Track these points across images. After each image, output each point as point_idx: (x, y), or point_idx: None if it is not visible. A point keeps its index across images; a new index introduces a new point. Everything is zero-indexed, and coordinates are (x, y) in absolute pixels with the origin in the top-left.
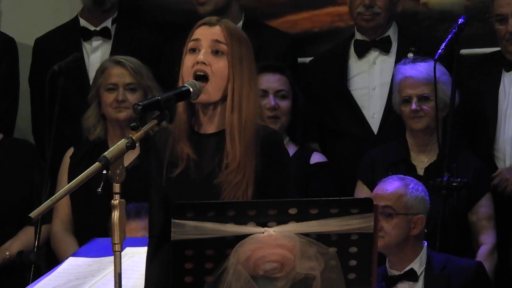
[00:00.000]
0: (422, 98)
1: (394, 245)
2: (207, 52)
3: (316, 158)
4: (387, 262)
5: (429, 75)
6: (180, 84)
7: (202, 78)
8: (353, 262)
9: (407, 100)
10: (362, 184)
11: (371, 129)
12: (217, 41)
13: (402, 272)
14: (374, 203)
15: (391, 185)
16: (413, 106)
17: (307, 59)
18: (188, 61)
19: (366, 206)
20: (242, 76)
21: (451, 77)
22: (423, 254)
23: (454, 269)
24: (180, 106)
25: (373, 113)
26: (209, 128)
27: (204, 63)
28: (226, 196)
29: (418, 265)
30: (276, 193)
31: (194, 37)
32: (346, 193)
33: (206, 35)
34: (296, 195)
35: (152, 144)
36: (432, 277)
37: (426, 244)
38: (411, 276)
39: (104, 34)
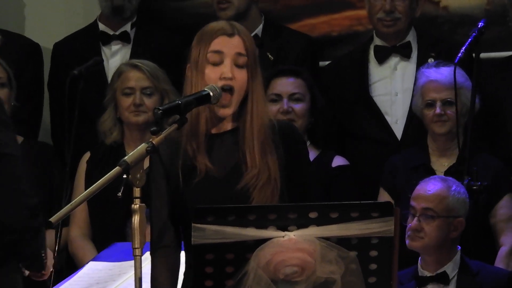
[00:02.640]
0: (446, 103)
1: (432, 246)
2: (231, 65)
3: (338, 161)
4: (419, 262)
5: (453, 79)
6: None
7: (228, 91)
8: (373, 266)
9: (431, 104)
10: (384, 191)
11: (395, 135)
12: (240, 54)
13: (434, 274)
14: (416, 203)
15: (433, 186)
16: (437, 110)
17: (326, 63)
18: (212, 73)
19: (387, 210)
20: (256, 78)
21: (471, 82)
22: (457, 258)
23: (487, 277)
24: (195, 110)
25: (396, 119)
26: (223, 127)
27: (231, 78)
28: (255, 197)
29: (451, 268)
30: (299, 181)
31: (215, 47)
32: (368, 198)
33: (228, 47)
34: (314, 184)
35: (156, 157)
36: (465, 282)
37: (460, 248)
38: (443, 278)
39: (123, 38)
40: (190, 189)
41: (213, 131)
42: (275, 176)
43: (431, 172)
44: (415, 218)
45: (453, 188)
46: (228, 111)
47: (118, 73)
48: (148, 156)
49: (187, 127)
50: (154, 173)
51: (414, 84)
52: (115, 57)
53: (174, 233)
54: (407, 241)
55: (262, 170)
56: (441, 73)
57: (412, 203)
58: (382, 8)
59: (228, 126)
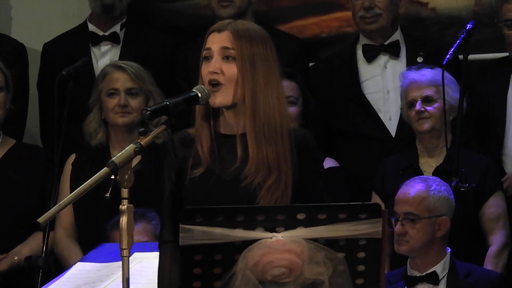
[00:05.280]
0: (425, 99)
1: (419, 248)
2: (217, 60)
3: (329, 163)
4: (408, 262)
5: (433, 78)
6: None
7: (215, 85)
8: (361, 267)
9: (412, 104)
10: (375, 195)
11: (389, 132)
12: (225, 47)
13: (424, 274)
14: (397, 208)
15: (413, 188)
16: (417, 106)
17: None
18: (203, 69)
19: (375, 211)
20: (255, 77)
21: (457, 83)
22: (447, 259)
23: (477, 278)
24: (200, 108)
25: (390, 116)
26: (235, 129)
27: (216, 72)
28: (262, 197)
29: (441, 269)
30: (314, 192)
31: (206, 45)
32: (361, 196)
33: (215, 42)
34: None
35: (171, 147)
36: (455, 283)
37: (449, 250)
38: (432, 278)
39: (112, 39)
40: (192, 183)
41: (224, 132)
42: (286, 181)
43: (419, 173)
44: (398, 223)
45: (433, 187)
46: (218, 99)
47: (103, 74)
48: (136, 157)
49: (197, 124)
50: (167, 164)
51: None
52: (104, 57)
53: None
54: (394, 246)
55: (271, 171)
56: (422, 74)
57: (395, 208)
58: (362, 5)
59: (240, 129)
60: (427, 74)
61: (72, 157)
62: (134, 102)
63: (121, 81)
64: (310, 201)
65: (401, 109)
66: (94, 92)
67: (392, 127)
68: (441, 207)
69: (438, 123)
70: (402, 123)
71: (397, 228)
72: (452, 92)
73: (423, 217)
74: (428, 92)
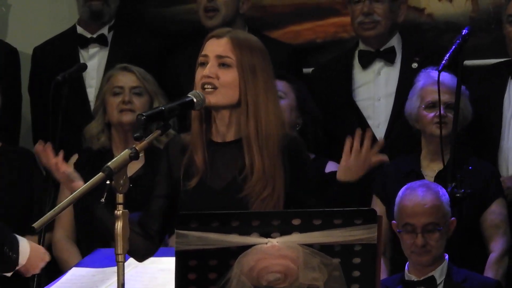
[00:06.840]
0: (448, 106)
1: (440, 255)
2: (213, 66)
3: (332, 167)
4: (406, 267)
5: (454, 84)
6: None
7: (210, 89)
8: (356, 273)
9: (433, 105)
10: (377, 198)
11: (376, 139)
12: (223, 54)
13: (422, 278)
14: (415, 221)
15: (425, 198)
16: (442, 111)
17: (310, 70)
18: (198, 74)
19: (370, 217)
20: (256, 85)
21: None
22: (445, 264)
23: (474, 284)
24: (195, 115)
25: (379, 123)
26: (226, 136)
27: (211, 77)
28: (256, 209)
29: (439, 273)
30: (300, 200)
31: (203, 51)
32: (354, 202)
33: (212, 49)
34: (317, 202)
35: (165, 153)
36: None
37: (447, 256)
38: (430, 283)
39: (101, 41)
40: (186, 195)
41: (216, 139)
42: (279, 192)
43: (421, 178)
44: (419, 235)
45: (441, 193)
46: (214, 98)
47: (107, 77)
48: (139, 162)
49: (191, 132)
50: (160, 167)
51: (397, 89)
52: (92, 60)
53: (157, 227)
54: (412, 258)
55: (268, 183)
56: (445, 76)
57: (410, 220)
58: (361, 11)
59: (231, 136)
60: (450, 78)
61: (75, 157)
62: (138, 101)
63: (126, 79)
64: (295, 206)
65: (412, 106)
66: (98, 97)
67: (380, 134)
68: (450, 210)
69: (451, 129)
70: (390, 131)
71: (419, 240)
72: (468, 103)
73: (442, 224)
74: (452, 99)
